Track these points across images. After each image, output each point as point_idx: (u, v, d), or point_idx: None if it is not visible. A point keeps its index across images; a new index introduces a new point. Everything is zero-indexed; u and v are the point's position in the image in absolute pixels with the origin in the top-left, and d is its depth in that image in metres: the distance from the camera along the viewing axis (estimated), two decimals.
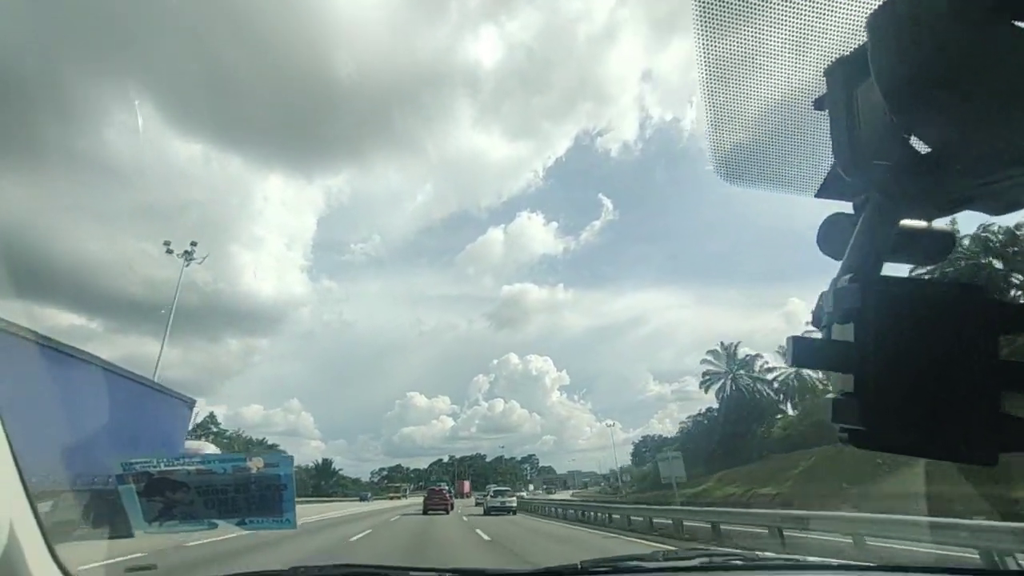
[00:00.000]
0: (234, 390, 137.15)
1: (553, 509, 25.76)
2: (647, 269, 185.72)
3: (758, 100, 0.58)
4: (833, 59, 0.53)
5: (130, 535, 9.90)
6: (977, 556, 5.87)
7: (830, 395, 0.46)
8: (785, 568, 1.69)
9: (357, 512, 28.52)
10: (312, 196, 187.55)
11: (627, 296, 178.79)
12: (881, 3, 0.45)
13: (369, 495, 70.11)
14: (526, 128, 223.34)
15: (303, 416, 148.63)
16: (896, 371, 0.43)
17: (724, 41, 0.55)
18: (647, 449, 76.26)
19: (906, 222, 0.53)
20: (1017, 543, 5.64)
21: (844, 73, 0.53)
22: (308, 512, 24.66)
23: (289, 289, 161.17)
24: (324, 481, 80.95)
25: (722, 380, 46.99)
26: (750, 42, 0.55)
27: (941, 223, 0.56)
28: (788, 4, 0.52)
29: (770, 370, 45.51)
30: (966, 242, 25.28)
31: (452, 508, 29.24)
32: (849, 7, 0.51)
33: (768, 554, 1.89)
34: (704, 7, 0.54)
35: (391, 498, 64.57)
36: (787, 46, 0.55)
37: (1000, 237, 24.58)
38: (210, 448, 17.51)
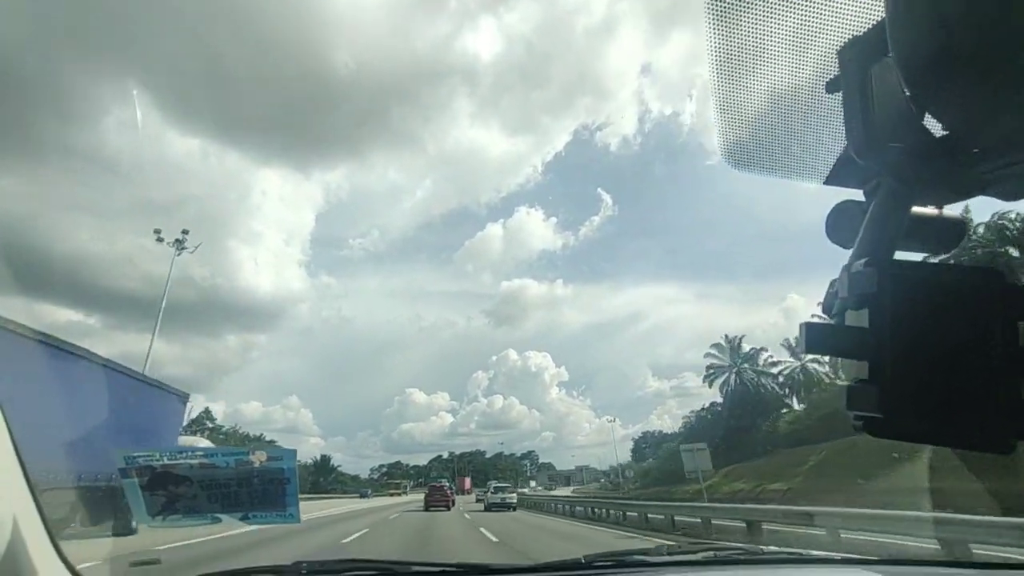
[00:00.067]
0: (233, 387, 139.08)
1: (559, 506, 25.45)
2: (646, 264, 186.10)
3: (767, 85, 0.57)
4: (846, 39, 0.52)
5: (127, 532, 9.67)
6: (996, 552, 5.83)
7: (843, 382, 0.45)
8: (789, 562, 1.68)
9: (357, 509, 28.40)
10: (310, 191, 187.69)
11: (626, 292, 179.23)
12: None
13: (370, 492, 70.22)
14: (525, 123, 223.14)
15: (302, 413, 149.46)
16: (912, 358, 0.42)
17: (733, 24, 0.54)
18: (647, 445, 76.51)
19: (918, 209, 0.52)
20: None
21: (858, 53, 0.51)
22: (308, 509, 24.26)
23: (287, 285, 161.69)
24: (322, 478, 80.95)
25: (726, 374, 46.63)
26: (760, 25, 0.54)
27: (953, 210, 0.55)
28: None
29: (775, 364, 45.36)
30: (980, 230, 24.80)
31: (453, 504, 29.26)
32: None
33: (771, 548, 1.92)
34: None
35: (391, 495, 64.58)
36: (798, 27, 0.53)
37: (1018, 224, 24.08)
38: (204, 444, 17.30)
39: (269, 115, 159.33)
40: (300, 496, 2.03)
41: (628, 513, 16.61)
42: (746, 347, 47.03)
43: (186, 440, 16.51)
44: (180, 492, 1.83)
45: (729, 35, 0.55)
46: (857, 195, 0.57)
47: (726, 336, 48.28)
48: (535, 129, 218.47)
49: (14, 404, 1.03)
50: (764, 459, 33.97)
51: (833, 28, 0.52)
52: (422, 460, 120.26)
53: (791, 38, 0.54)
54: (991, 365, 0.42)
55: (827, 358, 40.20)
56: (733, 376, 46.05)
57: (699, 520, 12.71)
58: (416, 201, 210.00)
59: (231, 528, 10.80)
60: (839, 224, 0.57)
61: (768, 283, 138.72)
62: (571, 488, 78.26)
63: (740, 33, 0.55)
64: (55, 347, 8.77)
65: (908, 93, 0.46)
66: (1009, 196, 0.52)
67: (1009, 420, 0.42)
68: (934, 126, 0.49)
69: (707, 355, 48.48)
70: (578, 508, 22.15)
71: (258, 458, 1.91)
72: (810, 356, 42.30)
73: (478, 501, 36.50)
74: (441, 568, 1.56)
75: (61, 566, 1.04)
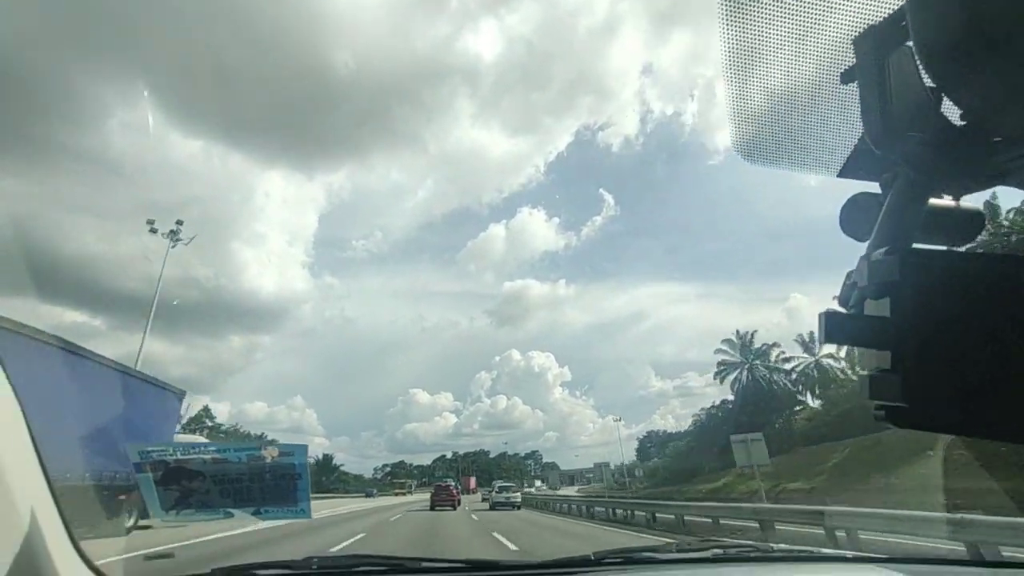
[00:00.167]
0: (238, 387, 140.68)
1: (571, 506, 24.31)
2: (648, 264, 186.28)
3: (780, 77, 0.57)
4: (861, 29, 0.51)
5: (118, 534, 9.65)
6: None
7: (864, 372, 0.44)
8: (799, 560, 1.67)
9: (362, 509, 28.02)
10: (313, 192, 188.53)
11: (628, 291, 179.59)
12: None
13: (375, 491, 70.49)
14: (527, 123, 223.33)
15: (307, 413, 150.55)
16: (936, 346, 0.42)
17: (746, 15, 0.54)
18: (652, 445, 76.98)
19: (935, 201, 0.52)
20: None
21: (875, 41, 0.51)
22: (316, 508, 23.45)
23: (291, 286, 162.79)
24: (325, 477, 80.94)
25: (737, 370, 45.73)
26: (773, 15, 0.53)
27: (971, 203, 0.55)
28: None
29: (787, 360, 44.38)
30: (1012, 215, 23.85)
31: (459, 504, 29.25)
32: None
33: (781, 546, 1.84)
34: None
35: (397, 494, 64.66)
36: (812, 17, 0.53)
37: None
38: (201, 442, 16.70)
39: (271, 116, 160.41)
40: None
41: (658, 515, 15.18)
42: (757, 343, 46.19)
43: (183, 438, 16.09)
44: (193, 487, 1.85)
45: (742, 26, 0.54)
46: (870, 188, 0.57)
47: (737, 332, 47.57)
48: (537, 129, 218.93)
49: None
50: (781, 457, 32.90)
51: (848, 17, 0.52)
52: (426, 460, 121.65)
53: (804, 28, 0.53)
54: (1019, 354, 0.41)
55: (843, 354, 39.56)
56: (745, 373, 45.17)
57: (755, 523, 11.03)
58: (418, 201, 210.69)
59: (240, 526, 10.40)
60: (853, 217, 0.56)
61: (770, 283, 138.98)
62: (576, 488, 78.06)
63: (753, 24, 0.54)
64: (46, 343, 8.50)
65: (928, 79, 0.46)
66: None
67: None
68: (953, 115, 0.48)
69: (718, 351, 47.82)
70: (597, 509, 20.48)
71: (270, 453, 1.94)
72: (825, 352, 41.59)
73: (483, 500, 36.79)
74: (450, 564, 1.55)
75: (80, 562, 1.05)
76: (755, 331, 47.26)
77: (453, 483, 33.18)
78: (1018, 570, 1.84)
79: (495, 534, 12.29)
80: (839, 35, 0.53)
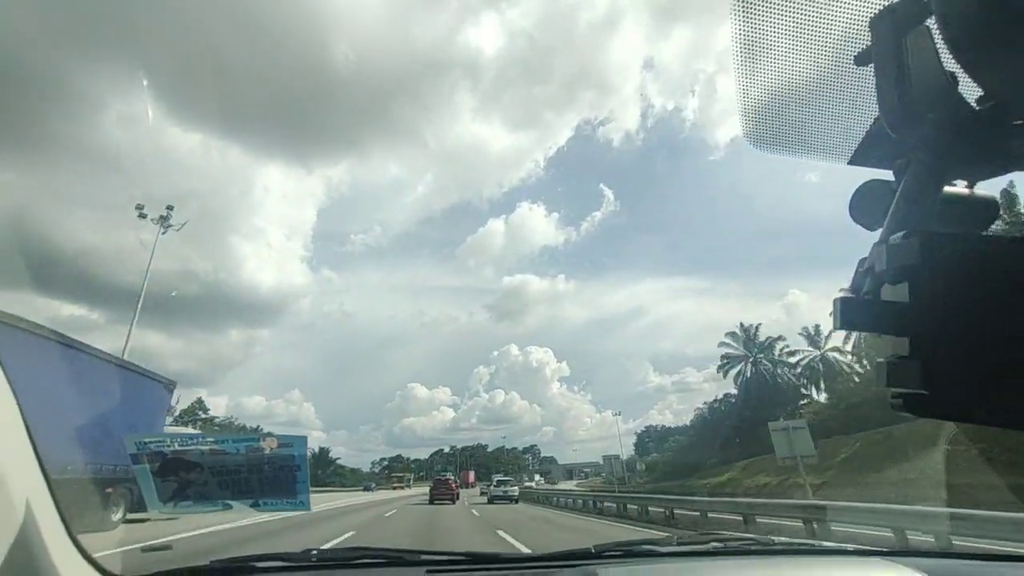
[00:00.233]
0: (236, 381, 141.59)
1: (580, 502, 23.15)
2: (648, 260, 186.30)
3: (792, 61, 0.56)
4: (877, 9, 0.51)
5: (105, 528, 9.39)
6: None
7: (880, 359, 0.43)
8: (800, 553, 1.67)
9: (360, 503, 27.74)
10: (312, 186, 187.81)
11: (627, 287, 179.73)
12: None
13: (374, 485, 70.62)
14: (527, 117, 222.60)
15: (304, 407, 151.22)
16: (957, 332, 0.40)
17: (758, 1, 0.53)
18: (650, 439, 77.59)
19: (948, 188, 0.51)
20: None
21: (893, 22, 0.50)
22: (314, 501, 23.05)
23: (290, 280, 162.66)
24: (321, 470, 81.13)
25: (741, 364, 45.35)
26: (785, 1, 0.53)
27: (985, 189, 0.54)
28: None
29: (791, 353, 43.99)
30: None
31: (458, 498, 29.25)
32: None
33: (782, 539, 1.82)
34: None
35: (395, 488, 64.72)
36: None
37: None
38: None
39: (270, 109, 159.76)
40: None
41: (676, 511, 13.76)
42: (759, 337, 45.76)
43: (174, 430, 15.68)
44: (191, 478, 1.79)
45: (753, 9, 0.53)
46: (880, 175, 0.56)
47: (741, 324, 47.18)
48: (537, 124, 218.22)
49: None
50: None
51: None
52: (423, 454, 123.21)
53: (818, 9, 0.52)
54: None
55: (850, 347, 39.26)
56: (749, 366, 44.80)
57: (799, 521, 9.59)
58: (418, 196, 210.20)
59: (238, 518, 10.07)
60: (864, 205, 0.55)
61: (769, 279, 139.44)
62: (575, 482, 78.38)
63: (764, 6, 0.53)
64: (29, 332, 8.17)
65: (947, 60, 0.46)
66: None
67: None
68: (970, 99, 0.47)
69: (721, 344, 47.53)
70: (608, 504, 18.91)
71: (268, 444, 1.87)
72: (830, 345, 41.22)
73: (482, 494, 37.27)
74: (450, 557, 1.56)
75: (77, 554, 1.05)
76: (760, 324, 46.93)
77: (452, 477, 33.25)
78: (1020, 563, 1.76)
79: (500, 532, 11.43)
80: (854, 16, 0.51)
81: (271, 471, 1.87)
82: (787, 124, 0.59)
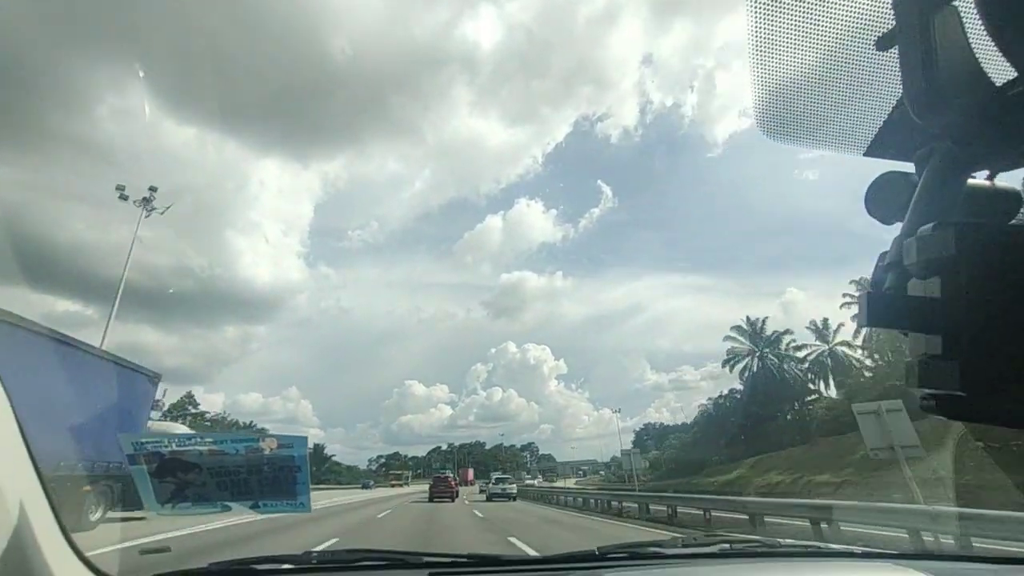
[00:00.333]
0: (233, 378, 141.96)
1: (592, 501, 21.72)
2: (646, 257, 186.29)
3: (808, 48, 0.54)
4: None
5: (82, 529, 8.95)
6: None
7: (910, 359, 0.41)
8: (807, 556, 1.67)
9: (356, 501, 27.05)
10: (308, 181, 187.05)
11: (625, 284, 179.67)
12: None
13: (372, 483, 70.55)
14: (525, 112, 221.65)
15: (302, 404, 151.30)
16: (996, 330, 0.38)
17: None
18: (649, 437, 78.32)
19: (971, 181, 0.49)
20: None
21: (919, 1, 0.48)
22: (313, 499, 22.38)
23: (286, 275, 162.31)
24: (316, 467, 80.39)
25: (747, 358, 44.76)
26: None
27: (1007, 181, 0.52)
28: None
29: (799, 348, 43.39)
30: None
31: (457, 496, 29.26)
32: None
33: (788, 541, 1.84)
34: None
35: (393, 486, 64.86)
36: None
37: None
38: (180, 431, 15.65)
39: (267, 103, 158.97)
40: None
41: (712, 513, 12.44)
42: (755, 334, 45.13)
43: (160, 426, 15.23)
44: (189, 479, 1.80)
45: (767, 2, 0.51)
46: (896, 167, 0.54)
47: (748, 318, 46.60)
48: (535, 119, 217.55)
49: None
50: (801, 448, 32.18)
51: None
52: (420, 451, 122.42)
53: None
54: None
55: (860, 341, 38.74)
56: (756, 360, 44.20)
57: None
58: (415, 192, 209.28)
59: (241, 515, 9.51)
60: (881, 197, 0.53)
61: (767, 277, 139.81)
62: (574, 480, 78.52)
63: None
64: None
65: (990, 36, 0.43)
66: None
67: None
68: (999, 81, 0.45)
69: (727, 338, 46.77)
70: (630, 506, 17.20)
71: (268, 445, 1.85)
72: (839, 339, 40.65)
73: (481, 492, 37.89)
74: (452, 559, 1.56)
75: (71, 553, 1.05)
76: (766, 317, 46.32)
77: (451, 475, 33.27)
78: None
79: (512, 539, 9.61)
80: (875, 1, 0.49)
81: (271, 472, 1.86)
82: (802, 114, 0.56)
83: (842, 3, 0.49)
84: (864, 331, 37.22)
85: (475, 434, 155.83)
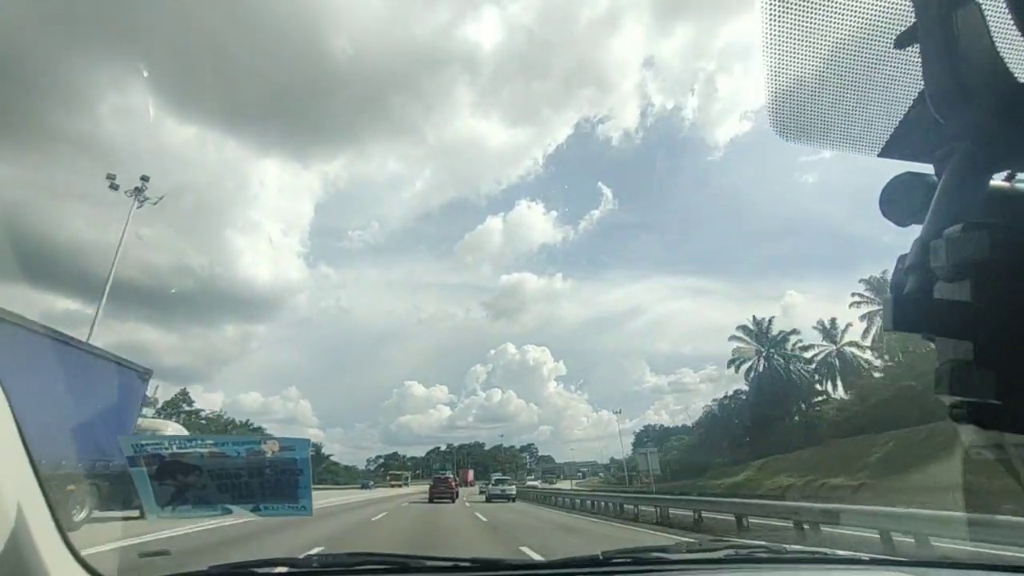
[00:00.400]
0: (232, 377, 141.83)
1: (602, 504, 20.79)
2: (646, 259, 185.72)
3: (824, 47, 0.53)
4: None
5: (67, 530, 7.92)
6: None
7: (939, 364, 0.40)
8: (814, 562, 1.68)
9: (355, 501, 26.86)
10: (309, 181, 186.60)
11: (625, 286, 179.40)
12: None
13: (371, 483, 70.67)
14: (526, 114, 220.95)
15: (301, 404, 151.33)
16: None
17: None
18: (648, 439, 77.66)
19: (993, 182, 0.48)
20: None
21: None
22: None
23: (286, 275, 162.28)
24: (314, 467, 79.38)
25: (753, 359, 44.26)
26: None
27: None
28: None
29: (806, 348, 42.89)
30: None
31: (457, 497, 29.35)
32: None
33: (795, 547, 1.83)
34: None
35: (392, 486, 64.74)
36: None
37: None
38: (173, 428, 15.32)
39: (267, 102, 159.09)
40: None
41: (746, 519, 11.37)
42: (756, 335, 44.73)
43: (151, 424, 15.05)
44: (190, 482, 1.80)
45: None
46: (911, 168, 0.53)
47: (754, 318, 46.24)
48: (536, 120, 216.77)
49: None
50: (812, 450, 31.77)
51: None
52: (419, 452, 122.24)
53: None
54: None
55: (869, 341, 38.25)
56: (762, 361, 43.73)
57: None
58: (416, 192, 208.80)
59: (242, 518, 9.16)
60: (897, 199, 0.51)
61: (767, 280, 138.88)
62: (572, 482, 78.64)
63: None
64: None
65: (997, 37, 0.43)
66: None
67: None
68: (1021, 78, 0.45)
69: (732, 338, 46.44)
70: (648, 509, 15.86)
71: (270, 448, 1.85)
72: (847, 340, 40.16)
73: (480, 493, 38.10)
74: (455, 563, 1.57)
75: (68, 554, 1.06)
76: (773, 317, 45.89)
77: (452, 476, 33.62)
78: None
79: (525, 549, 8.45)
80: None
81: (272, 475, 1.83)
82: (815, 114, 0.56)
83: (861, 8, 0.48)
84: (873, 331, 36.85)
85: (474, 435, 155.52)
